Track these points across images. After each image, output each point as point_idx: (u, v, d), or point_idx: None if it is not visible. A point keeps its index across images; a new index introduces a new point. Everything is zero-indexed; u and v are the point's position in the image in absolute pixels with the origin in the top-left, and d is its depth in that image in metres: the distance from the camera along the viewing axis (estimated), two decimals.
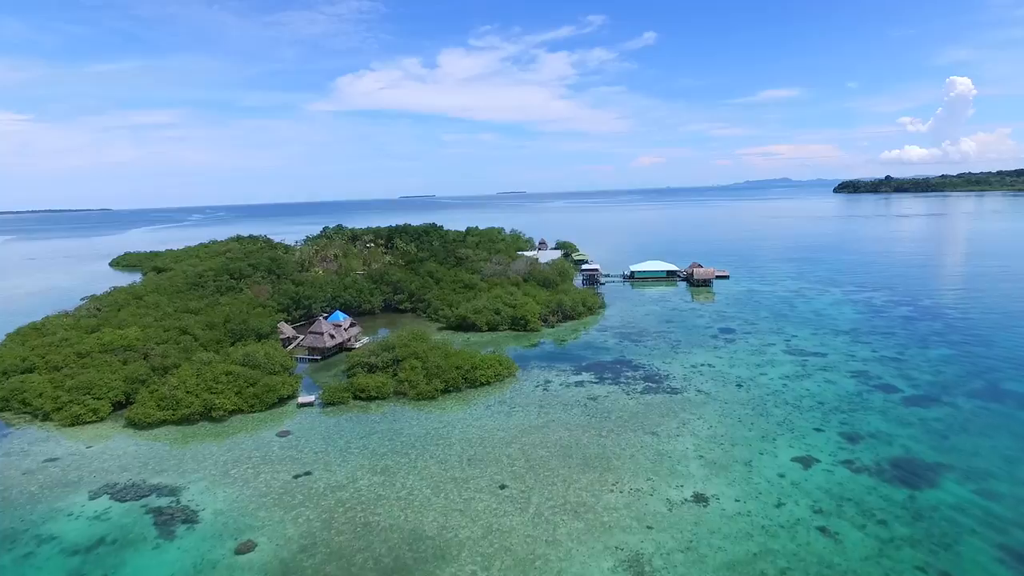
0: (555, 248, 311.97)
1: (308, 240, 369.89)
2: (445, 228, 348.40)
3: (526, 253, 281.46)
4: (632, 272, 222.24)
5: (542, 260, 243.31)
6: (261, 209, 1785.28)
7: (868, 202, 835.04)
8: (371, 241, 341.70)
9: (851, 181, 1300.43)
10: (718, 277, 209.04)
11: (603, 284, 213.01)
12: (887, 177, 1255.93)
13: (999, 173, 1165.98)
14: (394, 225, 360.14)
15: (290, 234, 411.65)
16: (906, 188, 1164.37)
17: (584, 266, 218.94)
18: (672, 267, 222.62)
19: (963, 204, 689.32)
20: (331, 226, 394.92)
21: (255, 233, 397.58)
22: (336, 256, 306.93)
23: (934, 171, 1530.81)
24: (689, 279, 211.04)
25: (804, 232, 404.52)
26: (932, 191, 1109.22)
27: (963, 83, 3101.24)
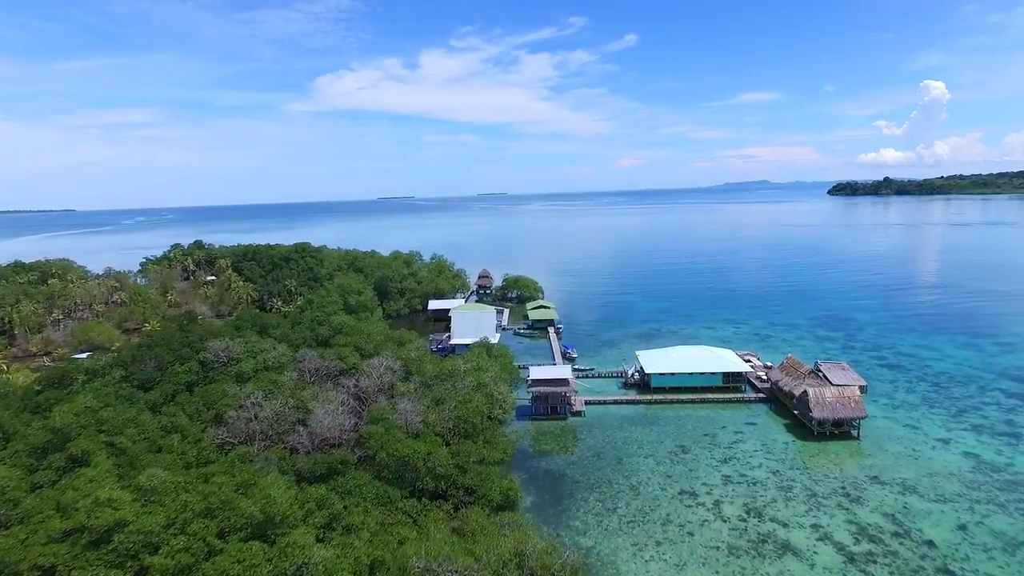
0: (503, 287, 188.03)
1: (143, 264, 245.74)
2: (329, 248, 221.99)
3: (443, 305, 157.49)
4: (646, 375, 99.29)
5: (459, 335, 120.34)
6: (226, 211, 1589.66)
7: (883, 206, 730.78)
8: (227, 267, 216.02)
9: (848, 183, 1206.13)
10: (843, 385, 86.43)
11: (581, 414, 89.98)
12: (886, 179, 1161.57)
13: (1005, 175, 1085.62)
14: (253, 243, 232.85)
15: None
16: (908, 191, 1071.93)
17: (536, 374, 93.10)
18: (736, 364, 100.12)
19: (1012, 208, 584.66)
20: (185, 243, 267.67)
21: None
22: (121, 302, 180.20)
23: (909, 174, 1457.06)
24: (778, 396, 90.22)
25: (882, 256, 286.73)
26: (937, 193, 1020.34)
27: (937, 87, 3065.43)
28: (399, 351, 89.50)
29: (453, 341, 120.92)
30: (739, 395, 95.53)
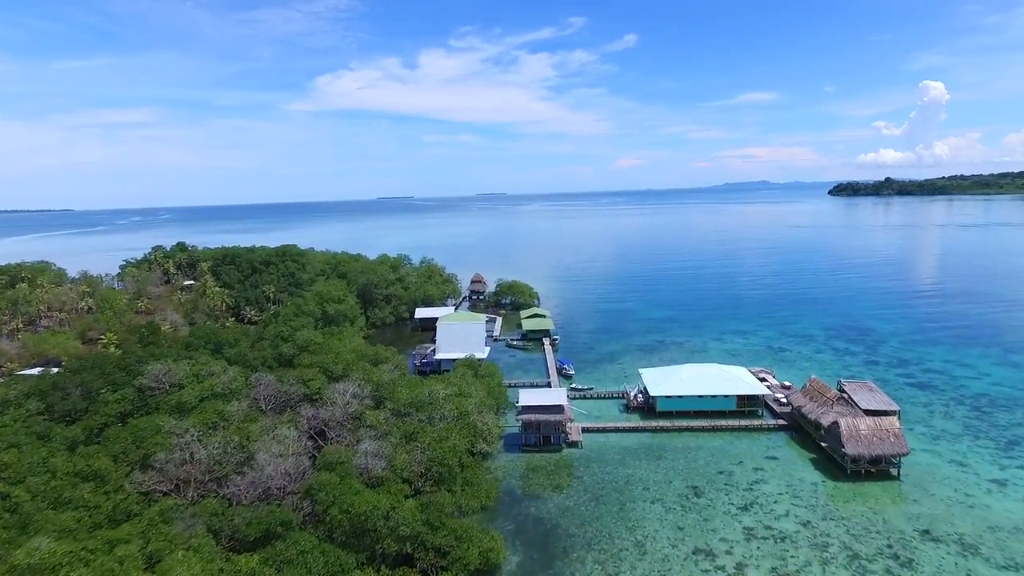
0: (496, 293, 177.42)
1: (123, 267, 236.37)
2: (317, 250, 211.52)
3: (431, 313, 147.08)
4: (651, 397, 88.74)
5: (445, 349, 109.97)
6: (223, 211, 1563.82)
7: (886, 207, 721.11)
8: (207, 271, 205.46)
9: (849, 183, 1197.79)
10: (874, 411, 75.61)
11: (578, 445, 79.21)
12: (887, 179, 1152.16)
13: (1008, 175, 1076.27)
14: (235, 246, 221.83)
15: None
16: (910, 191, 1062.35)
17: (526, 399, 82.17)
18: (752, 385, 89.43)
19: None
20: (175, 244, 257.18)
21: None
22: (88, 309, 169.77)
23: (908, 175, 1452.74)
24: (801, 424, 79.63)
25: (894, 260, 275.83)
26: (939, 194, 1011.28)
27: (936, 88, 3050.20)
28: (372, 372, 78.66)
29: (438, 356, 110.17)
30: (756, 422, 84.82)
